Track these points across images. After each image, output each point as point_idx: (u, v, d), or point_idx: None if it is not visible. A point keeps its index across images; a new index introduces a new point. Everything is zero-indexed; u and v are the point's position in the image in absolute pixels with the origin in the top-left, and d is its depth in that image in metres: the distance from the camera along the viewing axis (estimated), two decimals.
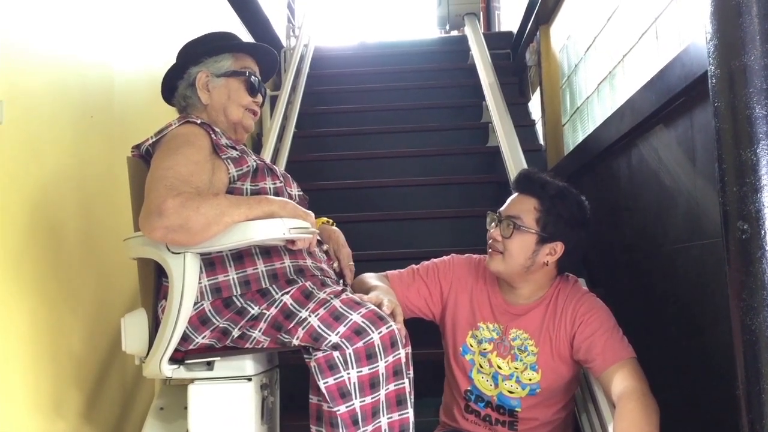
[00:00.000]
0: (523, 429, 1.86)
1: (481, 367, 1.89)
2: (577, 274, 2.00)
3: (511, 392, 1.85)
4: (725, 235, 1.20)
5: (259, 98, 1.82)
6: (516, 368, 1.85)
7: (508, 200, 1.89)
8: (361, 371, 1.46)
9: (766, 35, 1.14)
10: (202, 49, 1.79)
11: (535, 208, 1.82)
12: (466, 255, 2.03)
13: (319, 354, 1.48)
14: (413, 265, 2.03)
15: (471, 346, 1.90)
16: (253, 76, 1.79)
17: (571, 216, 1.83)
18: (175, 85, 1.80)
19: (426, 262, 2.02)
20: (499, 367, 1.86)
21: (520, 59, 4.90)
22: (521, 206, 1.84)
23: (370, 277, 1.92)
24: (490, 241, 1.86)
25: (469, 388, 1.91)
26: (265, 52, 1.88)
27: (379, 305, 1.58)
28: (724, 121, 1.20)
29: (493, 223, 1.86)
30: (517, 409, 1.86)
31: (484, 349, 1.88)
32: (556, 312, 1.84)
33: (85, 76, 2.07)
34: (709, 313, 1.80)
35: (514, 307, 1.88)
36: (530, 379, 1.83)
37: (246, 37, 4.26)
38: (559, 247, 1.82)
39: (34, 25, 1.77)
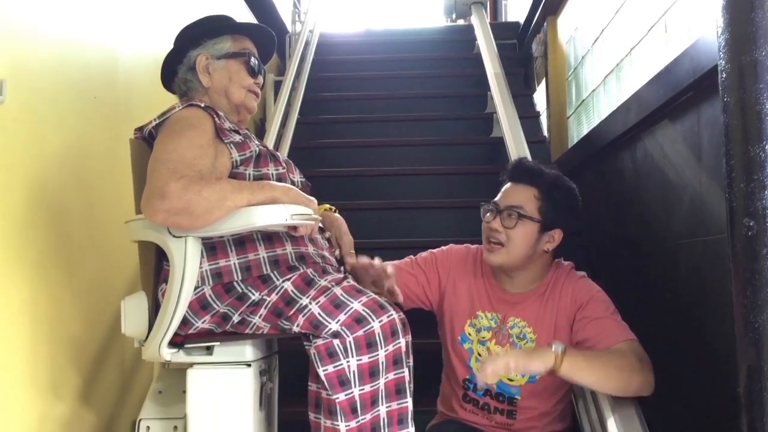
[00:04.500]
0: (521, 418, 1.86)
1: (479, 355, 1.88)
2: (576, 263, 1.99)
3: (510, 380, 1.85)
4: (731, 231, 1.19)
5: (260, 79, 1.81)
6: None
7: (504, 190, 1.88)
8: (360, 359, 1.46)
9: None
10: (201, 32, 1.78)
11: (536, 196, 1.83)
12: (464, 245, 2.03)
13: (319, 341, 1.47)
14: (411, 255, 2.03)
15: (469, 334, 1.90)
16: (252, 58, 1.78)
17: (567, 202, 1.86)
18: (174, 69, 1.79)
19: (424, 253, 2.03)
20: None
21: (526, 50, 4.88)
22: (522, 195, 1.83)
23: None
24: (489, 233, 1.85)
25: (467, 377, 1.91)
26: (263, 34, 1.86)
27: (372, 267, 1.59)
28: (733, 117, 1.18)
29: (488, 214, 1.86)
30: (516, 396, 1.86)
31: (483, 338, 1.88)
32: (554, 298, 1.85)
33: (89, 56, 2.05)
34: (711, 310, 1.80)
35: (511, 295, 1.89)
36: None
37: (251, 20, 4.24)
38: (557, 234, 1.84)
39: (38, 3, 1.76)
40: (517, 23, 5.32)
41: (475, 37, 5.03)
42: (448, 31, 6.44)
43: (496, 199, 1.87)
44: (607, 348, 1.71)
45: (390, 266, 1.66)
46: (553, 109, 4.01)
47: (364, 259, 1.64)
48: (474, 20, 5.29)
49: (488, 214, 1.86)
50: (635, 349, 1.71)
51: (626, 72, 2.67)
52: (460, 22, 7.05)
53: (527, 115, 4.19)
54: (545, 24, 4.21)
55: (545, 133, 4.19)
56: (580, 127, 3.50)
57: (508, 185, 1.89)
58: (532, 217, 1.81)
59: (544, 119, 4.27)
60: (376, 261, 1.63)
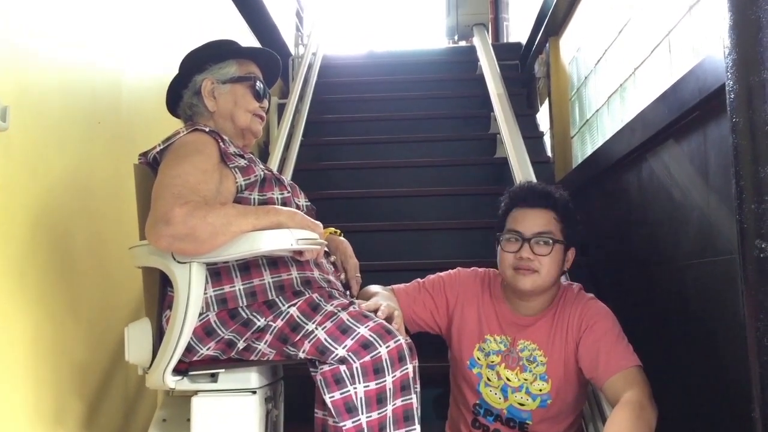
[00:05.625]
0: None
1: (489, 380, 1.86)
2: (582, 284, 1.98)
3: (521, 404, 1.83)
4: (742, 253, 1.17)
5: (266, 103, 1.81)
6: (525, 379, 1.83)
7: (521, 217, 1.85)
8: (368, 386, 1.44)
9: None
10: (206, 56, 1.78)
11: (555, 219, 1.84)
12: (472, 268, 2.02)
13: (326, 367, 1.45)
14: (418, 279, 2.01)
15: (478, 359, 1.88)
16: (258, 82, 1.78)
17: (575, 219, 1.88)
18: (179, 94, 1.79)
19: (431, 276, 2.01)
20: (508, 379, 1.84)
21: (528, 70, 4.89)
22: (546, 221, 1.83)
23: (375, 288, 1.90)
24: (519, 262, 1.81)
25: (477, 402, 1.89)
26: (268, 58, 1.86)
27: (377, 311, 1.57)
28: (742, 138, 1.17)
29: (513, 245, 1.82)
30: (527, 422, 1.83)
31: (492, 362, 1.86)
32: (562, 319, 1.84)
33: (93, 82, 2.05)
34: (721, 332, 1.78)
35: (521, 318, 1.87)
36: (540, 390, 1.81)
37: (254, 44, 4.26)
38: (571, 254, 1.87)
39: (42, 30, 1.76)
40: (519, 44, 5.34)
41: (477, 58, 5.06)
42: (451, 53, 6.47)
43: (513, 227, 1.84)
44: (609, 378, 1.69)
45: (397, 311, 1.62)
46: (556, 129, 4.01)
47: (370, 305, 1.61)
48: (476, 41, 5.32)
49: (513, 244, 1.83)
50: (639, 380, 1.68)
51: (630, 92, 2.66)
52: (462, 43, 7.10)
53: (531, 135, 4.18)
54: (547, 45, 4.22)
55: (549, 153, 4.19)
56: (584, 147, 3.49)
57: (523, 211, 1.86)
58: (561, 241, 1.83)
59: (547, 139, 4.27)
60: (383, 307, 1.60)
